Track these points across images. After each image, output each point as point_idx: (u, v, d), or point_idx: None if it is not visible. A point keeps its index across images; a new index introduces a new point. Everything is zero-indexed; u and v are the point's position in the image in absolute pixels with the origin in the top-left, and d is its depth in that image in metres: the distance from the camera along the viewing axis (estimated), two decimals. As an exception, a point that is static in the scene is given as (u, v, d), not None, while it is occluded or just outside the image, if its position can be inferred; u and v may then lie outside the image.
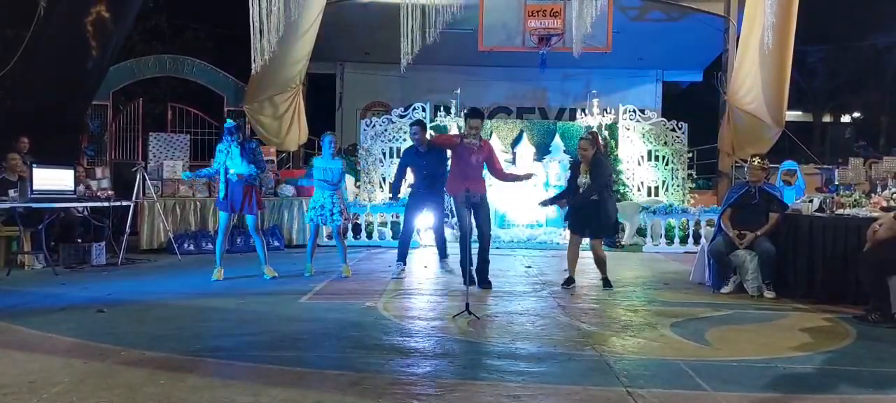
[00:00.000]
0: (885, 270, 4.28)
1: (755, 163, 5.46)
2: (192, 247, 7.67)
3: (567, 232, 8.90)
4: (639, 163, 9.68)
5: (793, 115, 16.50)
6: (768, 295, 5.11)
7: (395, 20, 8.10)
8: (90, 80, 8.27)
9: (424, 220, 6.73)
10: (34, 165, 6.32)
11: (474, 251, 5.29)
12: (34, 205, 6.13)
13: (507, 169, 9.48)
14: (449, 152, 5.87)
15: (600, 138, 5.84)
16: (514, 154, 9.70)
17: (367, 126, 9.78)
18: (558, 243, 8.92)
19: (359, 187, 9.69)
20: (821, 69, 19.05)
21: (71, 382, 2.85)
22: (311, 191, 6.24)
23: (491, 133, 9.85)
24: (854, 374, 3.23)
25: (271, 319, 4.24)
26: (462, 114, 7.03)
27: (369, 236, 8.83)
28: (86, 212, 6.95)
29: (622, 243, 8.97)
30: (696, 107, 15.90)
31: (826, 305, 4.78)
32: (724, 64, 10.67)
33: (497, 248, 8.57)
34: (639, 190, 9.61)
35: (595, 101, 10.04)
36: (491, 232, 5.56)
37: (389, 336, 3.78)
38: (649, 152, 9.69)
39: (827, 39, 17.68)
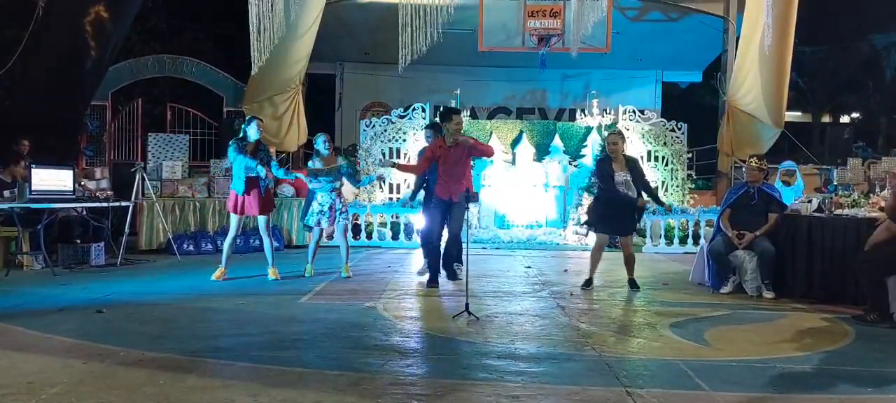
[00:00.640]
0: (884, 270, 4.28)
1: (753, 164, 5.46)
2: (191, 248, 7.66)
3: (566, 232, 9.06)
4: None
5: (792, 116, 16.51)
6: (767, 295, 5.11)
7: (394, 20, 8.10)
8: (89, 81, 8.26)
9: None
10: (33, 166, 6.32)
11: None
12: (33, 206, 6.12)
13: (508, 169, 9.52)
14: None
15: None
16: (513, 154, 9.70)
17: (367, 126, 9.79)
18: (558, 243, 8.93)
19: (359, 188, 9.68)
20: (820, 70, 19.07)
21: (70, 383, 2.85)
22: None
23: (491, 133, 9.86)
24: (853, 374, 3.24)
25: (271, 320, 4.24)
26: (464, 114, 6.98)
27: (369, 236, 8.83)
28: (85, 213, 6.94)
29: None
30: (695, 108, 15.93)
31: (825, 305, 4.79)
32: (724, 64, 10.68)
33: (496, 248, 8.59)
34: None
35: (595, 102, 10.05)
36: (461, 230, 5.35)
37: (389, 337, 3.78)
38: (649, 152, 9.69)
39: (826, 40, 17.71)
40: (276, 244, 8.04)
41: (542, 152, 9.74)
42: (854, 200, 5.42)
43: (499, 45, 9.87)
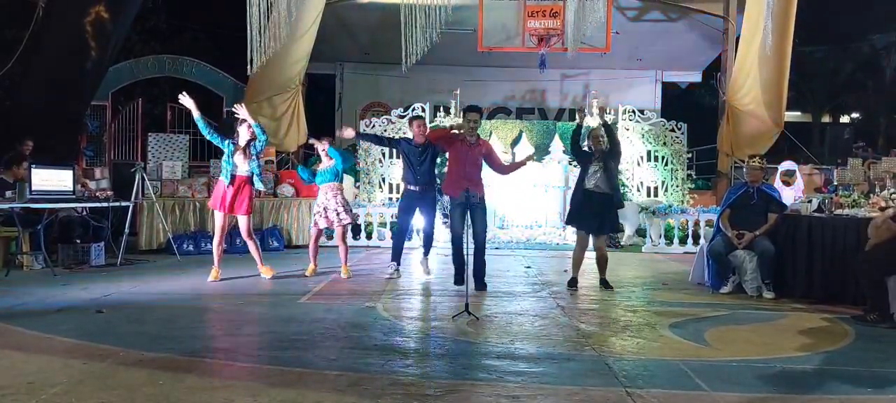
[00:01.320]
0: (884, 270, 4.28)
1: (754, 164, 5.46)
2: (191, 248, 7.66)
3: (566, 232, 9.06)
4: (638, 164, 9.69)
5: (792, 116, 16.51)
6: (767, 295, 5.11)
7: (394, 20, 8.10)
8: (89, 81, 8.27)
9: (418, 220, 6.65)
10: (33, 166, 6.31)
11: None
12: (33, 206, 6.12)
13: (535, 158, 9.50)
14: (447, 154, 5.74)
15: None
16: (513, 154, 9.70)
17: (367, 126, 9.79)
18: (557, 243, 8.92)
19: (358, 187, 9.69)
20: (820, 70, 19.07)
21: (69, 383, 2.85)
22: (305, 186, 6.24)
23: (490, 133, 9.85)
24: (853, 374, 3.24)
25: (270, 320, 4.24)
26: (461, 113, 6.98)
27: (369, 236, 8.83)
28: (85, 213, 6.94)
29: (621, 243, 8.99)
30: (695, 108, 15.94)
31: (825, 305, 4.79)
32: (723, 64, 10.68)
33: (496, 248, 8.58)
34: (638, 190, 9.62)
35: (594, 102, 10.05)
36: (486, 235, 5.46)
37: (388, 337, 3.78)
38: (648, 152, 9.69)
39: (826, 40, 17.72)
40: (275, 244, 8.10)
41: (541, 152, 9.74)
42: (854, 200, 5.42)
43: (498, 45, 9.88)
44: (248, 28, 6.64)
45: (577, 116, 5.78)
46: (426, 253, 6.07)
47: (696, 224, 8.68)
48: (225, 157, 5.60)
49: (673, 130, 9.74)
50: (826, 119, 20.76)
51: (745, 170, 5.58)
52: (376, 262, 7.13)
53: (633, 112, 9.81)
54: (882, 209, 4.91)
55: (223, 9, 11.98)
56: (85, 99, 8.59)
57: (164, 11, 13.40)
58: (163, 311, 4.42)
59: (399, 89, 12.90)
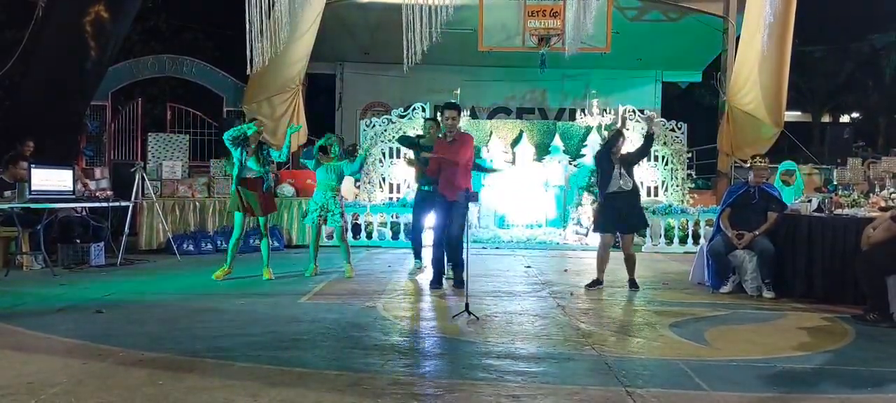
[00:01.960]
0: (884, 270, 4.28)
1: (759, 163, 5.47)
2: (191, 248, 7.66)
3: (566, 232, 9.05)
4: (638, 164, 9.67)
5: (791, 116, 16.51)
6: (767, 294, 5.11)
7: (394, 20, 8.09)
8: (89, 81, 8.26)
9: (430, 219, 6.65)
10: (33, 166, 6.31)
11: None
12: (33, 206, 6.12)
13: (508, 169, 9.50)
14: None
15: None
16: (514, 154, 9.70)
17: (367, 126, 9.78)
18: (558, 243, 8.92)
19: (359, 187, 9.69)
20: (820, 69, 19.07)
21: (69, 383, 2.85)
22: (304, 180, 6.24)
23: (491, 133, 9.85)
24: (853, 374, 3.24)
25: (271, 320, 4.23)
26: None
27: (369, 236, 8.83)
28: (85, 213, 6.94)
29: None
30: (695, 108, 15.93)
31: (825, 305, 4.79)
32: (723, 64, 10.68)
33: (496, 248, 8.59)
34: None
35: (594, 102, 10.05)
36: (462, 232, 5.28)
37: (389, 337, 3.78)
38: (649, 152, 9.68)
39: (826, 40, 17.72)
40: (275, 244, 8.09)
41: (542, 152, 9.75)
42: (854, 200, 5.42)
43: (499, 44, 9.87)
44: (248, 28, 6.62)
45: (611, 129, 5.86)
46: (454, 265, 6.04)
47: (697, 223, 8.68)
48: (240, 162, 5.58)
49: (673, 130, 9.74)
50: (826, 119, 20.76)
51: (751, 169, 5.58)
52: (377, 262, 7.13)
53: (633, 111, 9.81)
54: (882, 209, 4.92)
55: (223, 8, 11.98)
56: (85, 99, 8.58)
57: (163, 11, 13.40)
58: (162, 311, 4.42)
59: (399, 89, 12.90)
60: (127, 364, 3.15)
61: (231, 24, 10.15)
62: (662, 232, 8.78)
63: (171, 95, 12.26)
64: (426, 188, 5.91)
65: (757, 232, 5.22)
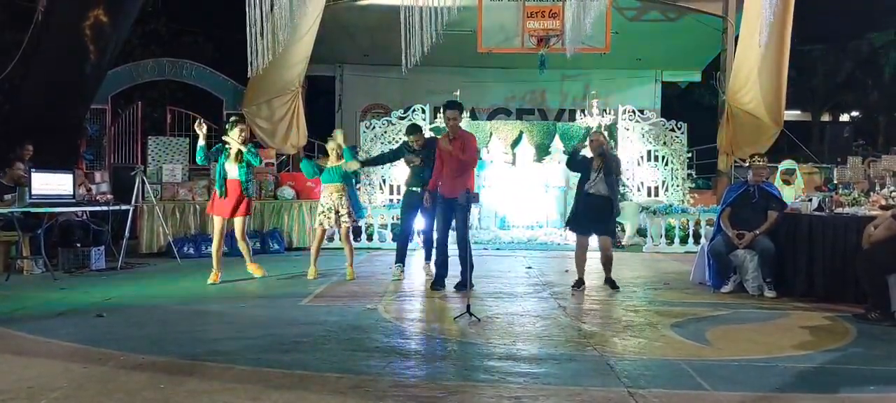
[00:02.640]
0: (885, 268, 4.28)
1: (758, 163, 5.47)
2: (191, 251, 7.66)
3: (567, 233, 9.05)
4: (638, 164, 9.69)
5: (791, 115, 16.50)
6: (768, 294, 5.11)
7: (394, 22, 8.10)
8: (88, 84, 8.27)
9: (420, 222, 6.63)
10: (33, 170, 6.31)
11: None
12: (33, 210, 6.12)
13: (508, 170, 9.50)
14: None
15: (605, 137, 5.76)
16: (514, 155, 9.70)
17: (367, 128, 9.79)
18: (558, 244, 8.92)
19: (359, 189, 9.68)
20: (819, 68, 19.08)
21: (70, 387, 2.84)
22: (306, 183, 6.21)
23: (491, 134, 9.85)
24: (855, 373, 3.23)
25: (271, 322, 4.23)
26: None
27: (370, 238, 8.82)
28: (85, 217, 6.94)
29: (622, 243, 8.98)
30: (694, 107, 15.93)
31: (826, 304, 4.79)
32: (723, 64, 10.68)
33: (497, 249, 8.58)
34: (639, 190, 9.63)
35: (594, 102, 10.05)
36: (468, 233, 5.31)
37: (390, 339, 3.77)
38: (649, 152, 9.70)
39: (825, 39, 17.72)
40: (276, 246, 8.10)
41: (542, 153, 9.74)
42: (854, 198, 5.42)
43: (498, 45, 9.88)
44: (248, 31, 6.62)
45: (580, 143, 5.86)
46: (428, 257, 6.04)
47: (697, 223, 8.68)
48: (219, 165, 5.61)
49: (673, 130, 9.74)
50: (825, 117, 20.76)
51: (750, 168, 5.58)
52: (378, 264, 7.13)
53: (633, 112, 9.82)
54: (883, 207, 4.91)
55: (222, 11, 11.99)
56: (84, 102, 8.58)
57: (163, 14, 13.41)
58: (163, 315, 4.41)
59: (399, 91, 12.91)
60: (128, 367, 3.14)
61: (230, 27, 10.18)
62: (663, 232, 8.78)
63: (171, 98, 12.26)
64: (415, 189, 5.85)
65: (757, 232, 5.21)
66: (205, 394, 2.77)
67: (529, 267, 6.86)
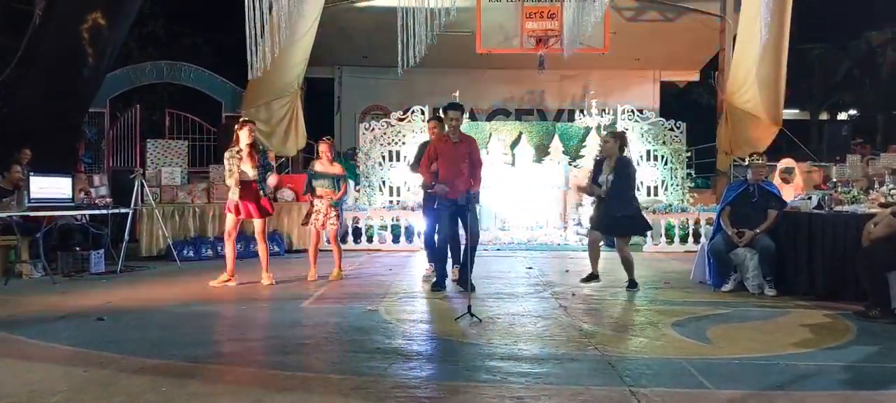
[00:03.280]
0: (885, 266, 4.28)
1: (757, 161, 5.48)
2: (191, 254, 7.64)
3: (567, 233, 9.05)
4: (638, 163, 9.69)
5: (790, 113, 16.52)
6: (769, 292, 5.11)
7: (392, 23, 8.11)
8: (87, 88, 8.26)
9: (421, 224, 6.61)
10: (31, 173, 6.30)
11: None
12: (32, 214, 6.11)
13: (508, 171, 9.50)
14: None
15: (625, 138, 5.75)
16: (513, 155, 9.71)
17: (366, 129, 9.79)
18: (558, 244, 8.93)
19: (359, 191, 9.69)
20: (817, 67, 19.10)
21: (71, 390, 2.84)
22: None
23: (490, 135, 9.85)
24: (855, 370, 3.23)
25: (273, 324, 4.22)
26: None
27: (370, 240, 8.82)
28: (84, 220, 6.93)
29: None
30: (693, 107, 15.95)
31: (826, 302, 4.79)
32: (721, 63, 10.71)
33: (497, 250, 8.58)
34: (638, 189, 9.62)
35: (593, 102, 10.06)
36: (479, 236, 5.41)
37: (392, 340, 3.77)
38: (648, 152, 9.71)
39: (823, 38, 17.75)
40: (276, 248, 8.08)
41: (541, 153, 9.75)
42: (853, 196, 5.42)
43: (497, 46, 9.90)
44: (247, 33, 6.63)
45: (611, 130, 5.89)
46: (430, 259, 5.93)
47: (697, 222, 8.68)
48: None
49: (672, 129, 9.75)
50: (824, 116, 20.78)
51: (749, 167, 5.59)
52: (378, 265, 7.12)
53: (632, 111, 9.83)
54: (882, 205, 4.92)
55: (221, 14, 11.99)
56: (83, 106, 8.58)
57: (161, 17, 13.40)
58: (164, 317, 4.41)
59: (398, 92, 12.92)
60: (129, 371, 3.14)
61: (229, 29, 10.18)
62: (663, 232, 8.78)
63: (170, 101, 12.25)
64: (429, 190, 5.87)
65: (757, 230, 5.22)
66: (207, 397, 2.76)
67: (530, 268, 6.86)
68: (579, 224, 9.03)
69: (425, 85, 12.17)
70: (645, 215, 5.94)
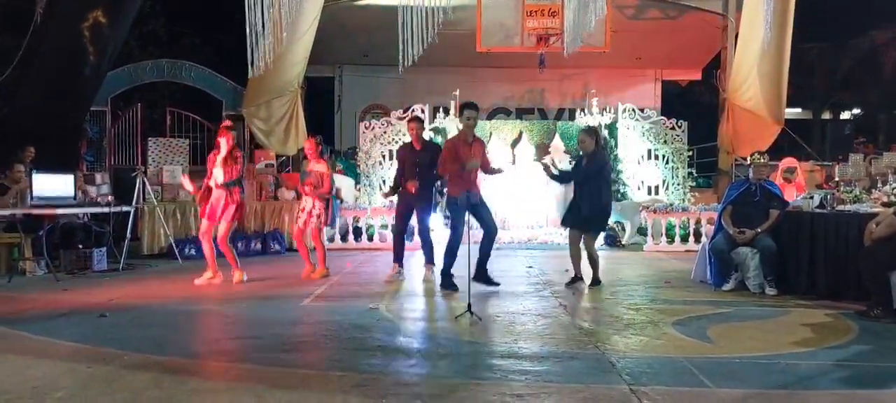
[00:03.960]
0: (887, 265, 4.28)
1: (759, 160, 5.48)
2: (193, 252, 7.65)
3: (567, 233, 9.03)
4: (639, 163, 9.69)
5: (792, 113, 16.50)
6: (770, 291, 5.11)
7: (393, 22, 8.11)
8: (88, 86, 8.26)
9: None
10: (34, 172, 6.32)
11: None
12: (34, 212, 6.12)
13: (508, 170, 9.48)
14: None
15: (600, 134, 5.81)
16: (513, 154, 9.70)
17: (366, 128, 9.79)
18: (559, 243, 8.91)
19: (359, 190, 9.69)
20: (819, 66, 19.06)
21: (74, 387, 2.85)
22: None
23: (490, 134, 9.85)
24: (856, 370, 3.23)
25: (273, 322, 4.23)
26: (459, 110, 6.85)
27: (370, 239, 8.82)
28: (86, 218, 6.94)
29: (623, 242, 8.98)
30: (695, 106, 15.93)
31: (828, 301, 4.79)
32: (723, 62, 10.69)
33: (497, 249, 8.57)
34: (639, 189, 9.62)
35: (594, 101, 10.05)
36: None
37: (392, 338, 3.78)
38: (649, 151, 9.70)
39: (825, 37, 17.72)
40: (277, 247, 8.11)
41: (541, 152, 9.73)
42: (856, 196, 5.42)
43: (497, 45, 9.87)
44: (248, 31, 6.64)
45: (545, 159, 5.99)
46: (429, 260, 5.86)
47: (698, 221, 8.68)
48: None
49: (673, 128, 9.74)
50: (826, 115, 20.75)
51: (752, 166, 5.59)
52: (378, 264, 7.13)
53: (633, 110, 9.82)
54: (885, 205, 4.92)
55: (221, 12, 12.00)
56: (84, 104, 8.58)
57: (162, 16, 13.41)
58: (166, 315, 4.42)
59: (398, 91, 12.91)
60: (131, 367, 3.15)
61: (229, 28, 10.19)
62: (664, 231, 8.78)
63: (170, 100, 12.26)
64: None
65: (759, 230, 5.22)
66: (208, 393, 2.77)
67: (530, 267, 6.86)
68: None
69: (425, 84, 12.16)
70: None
